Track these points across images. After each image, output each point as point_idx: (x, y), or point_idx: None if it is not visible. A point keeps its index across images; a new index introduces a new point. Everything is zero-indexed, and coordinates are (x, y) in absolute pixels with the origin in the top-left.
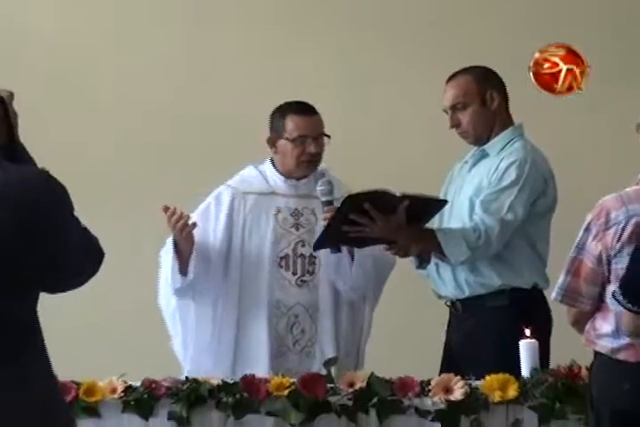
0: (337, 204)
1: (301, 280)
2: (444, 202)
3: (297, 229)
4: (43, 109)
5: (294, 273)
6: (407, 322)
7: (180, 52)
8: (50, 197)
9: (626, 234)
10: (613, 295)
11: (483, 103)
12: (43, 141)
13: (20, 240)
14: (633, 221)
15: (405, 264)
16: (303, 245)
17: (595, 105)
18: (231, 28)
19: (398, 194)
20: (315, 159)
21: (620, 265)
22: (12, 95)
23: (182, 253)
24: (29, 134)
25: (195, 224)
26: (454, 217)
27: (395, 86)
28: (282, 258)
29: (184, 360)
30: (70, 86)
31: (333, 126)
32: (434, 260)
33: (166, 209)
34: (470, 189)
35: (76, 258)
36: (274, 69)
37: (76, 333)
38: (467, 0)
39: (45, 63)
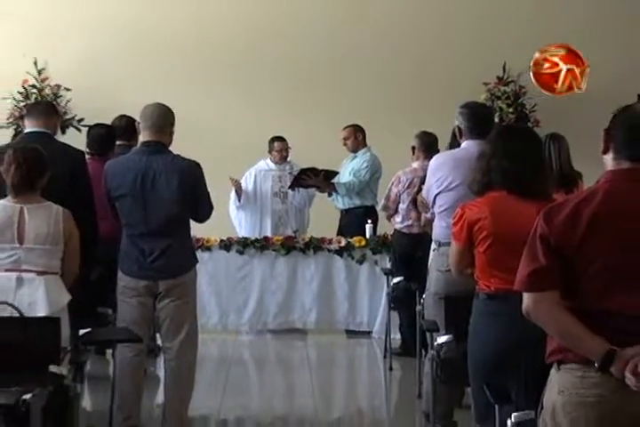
0: (295, 173)
1: (282, 201)
2: (337, 173)
3: (280, 182)
4: None
5: (279, 198)
6: (324, 217)
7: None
8: (197, 173)
9: (405, 185)
10: (408, 206)
11: (355, 138)
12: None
13: (185, 194)
14: (408, 181)
15: (324, 196)
16: (283, 188)
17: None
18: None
19: (320, 169)
20: (285, 158)
21: (404, 196)
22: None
23: (238, 193)
24: None
25: (240, 183)
26: (344, 179)
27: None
28: (275, 193)
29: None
30: None
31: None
32: (334, 194)
33: (231, 178)
34: (350, 169)
35: (206, 203)
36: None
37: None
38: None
39: None
